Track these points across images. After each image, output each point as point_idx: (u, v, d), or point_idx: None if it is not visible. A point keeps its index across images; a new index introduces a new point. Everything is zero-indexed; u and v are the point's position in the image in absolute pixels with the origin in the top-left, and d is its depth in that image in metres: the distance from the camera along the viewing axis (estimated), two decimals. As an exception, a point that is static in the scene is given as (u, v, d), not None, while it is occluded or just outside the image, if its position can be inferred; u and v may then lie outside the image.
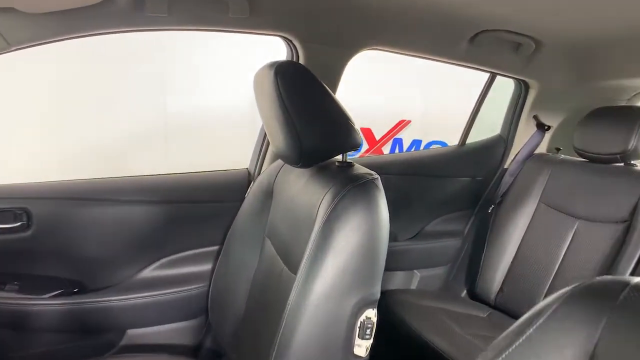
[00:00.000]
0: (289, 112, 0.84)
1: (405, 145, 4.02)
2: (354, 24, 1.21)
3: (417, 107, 3.73)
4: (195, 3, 1.02)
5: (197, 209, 1.32)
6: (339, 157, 0.93)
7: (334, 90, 1.27)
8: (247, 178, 1.36)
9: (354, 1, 1.11)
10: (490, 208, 1.68)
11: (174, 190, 1.31)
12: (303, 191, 0.95)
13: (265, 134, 1.31)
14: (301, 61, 1.22)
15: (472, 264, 1.70)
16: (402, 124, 4.10)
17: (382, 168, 1.07)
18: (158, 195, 1.27)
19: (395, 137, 4.21)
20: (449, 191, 1.74)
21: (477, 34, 1.32)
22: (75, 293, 1.19)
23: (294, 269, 0.87)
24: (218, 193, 1.34)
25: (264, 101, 0.91)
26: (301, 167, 0.92)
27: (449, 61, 1.41)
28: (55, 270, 1.20)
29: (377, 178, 0.87)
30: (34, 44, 0.97)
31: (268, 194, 1.11)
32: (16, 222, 1.13)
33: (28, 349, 1.17)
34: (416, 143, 3.92)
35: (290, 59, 1.23)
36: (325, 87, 0.89)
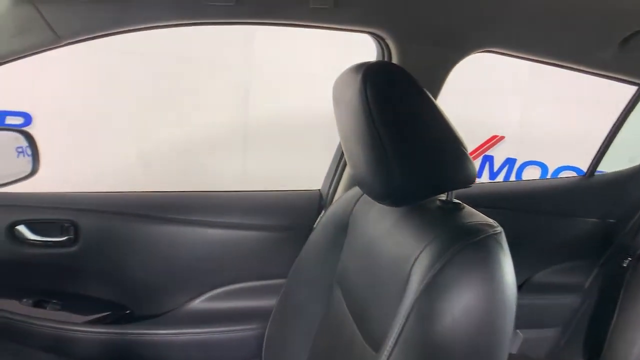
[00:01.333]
0: (378, 130, 0.61)
1: (497, 165, 3.55)
2: (465, 20, 0.95)
3: (513, 121, 3.31)
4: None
5: (259, 235, 1.14)
6: (443, 195, 0.68)
7: (435, 98, 1.02)
8: (319, 202, 1.15)
9: None
10: (627, 260, 1.31)
11: (234, 209, 1.14)
12: (389, 235, 0.71)
13: (342, 151, 1.09)
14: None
15: (595, 330, 1.33)
16: (494, 140, 3.65)
17: (477, 199, 0.80)
18: (216, 215, 1.11)
19: (485, 153, 3.88)
20: (568, 234, 1.39)
21: (631, 36, 0.99)
22: (119, 319, 1.06)
23: (373, 344, 0.65)
24: (284, 217, 1.15)
25: (345, 113, 0.69)
26: (390, 204, 0.68)
27: (588, 70, 1.09)
28: (100, 291, 1.08)
29: (499, 232, 0.61)
30: (87, 37, 0.85)
31: (342, 227, 0.89)
32: (63, 236, 1.02)
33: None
34: (510, 162, 3.45)
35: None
36: (431, 100, 0.64)
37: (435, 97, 1.03)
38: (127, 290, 1.09)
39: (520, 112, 3.30)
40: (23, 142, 1.19)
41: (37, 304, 1.03)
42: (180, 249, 1.10)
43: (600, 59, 1.06)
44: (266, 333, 1.03)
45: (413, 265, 0.60)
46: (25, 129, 1.33)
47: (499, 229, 0.61)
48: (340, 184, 1.14)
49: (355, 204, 0.88)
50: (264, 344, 1.02)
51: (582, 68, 1.09)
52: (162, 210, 1.08)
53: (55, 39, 0.84)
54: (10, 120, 2.46)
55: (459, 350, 0.54)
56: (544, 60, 1.07)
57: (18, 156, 1.19)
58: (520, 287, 1.38)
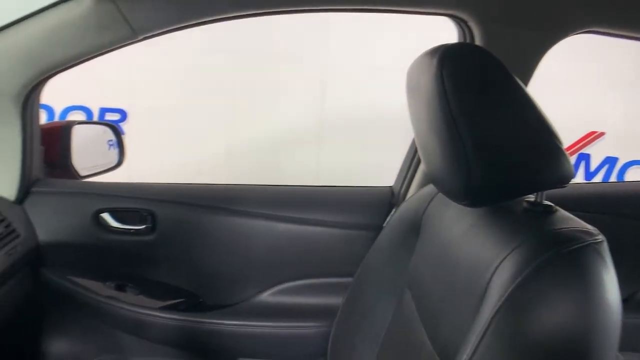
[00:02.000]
0: (456, 120, 0.54)
1: (594, 164, 3.21)
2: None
3: (615, 115, 2.96)
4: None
5: (328, 231, 1.11)
6: (531, 196, 0.59)
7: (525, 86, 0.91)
8: (390, 199, 1.09)
9: None
10: None
11: (304, 204, 1.12)
12: (467, 239, 0.64)
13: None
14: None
15: None
16: (591, 136, 3.32)
17: (572, 202, 0.68)
18: (286, 210, 1.10)
19: (581, 151, 3.54)
20: None
21: None
22: (191, 307, 1.10)
23: (443, 355, 0.58)
24: (353, 214, 1.11)
25: (418, 103, 0.62)
26: (467, 205, 0.61)
27: None
28: (174, 279, 1.12)
29: (601, 241, 0.51)
30: (162, 31, 0.87)
31: (414, 228, 0.82)
32: (141, 225, 1.07)
33: (152, 355, 1.12)
34: (610, 162, 3.13)
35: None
36: (521, 87, 0.56)
37: (525, 85, 0.92)
38: (199, 279, 1.12)
39: (623, 105, 2.94)
40: (112, 136, 1.28)
41: (119, 288, 1.10)
42: (251, 242, 1.11)
43: None
44: (332, 332, 1.00)
45: (493, 275, 0.52)
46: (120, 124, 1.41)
47: (600, 237, 0.52)
48: (413, 181, 1.07)
49: (429, 203, 0.81)
50: (330, 343, 1.00)
51: None
52: (235, 203, 1.09)
53: (132, 34, 0.87)
54: (108, 117, 2.70)
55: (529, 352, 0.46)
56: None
57: (110, 148, 1.28)
58: (624, 304, 1.21)
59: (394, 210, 1.01)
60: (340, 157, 2.93)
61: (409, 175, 1.07)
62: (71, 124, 1.16)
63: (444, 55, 0.54)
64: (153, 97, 2.61)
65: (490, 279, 0.52)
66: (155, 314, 1.05)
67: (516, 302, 0.48)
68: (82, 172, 1.17)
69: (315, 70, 3.09)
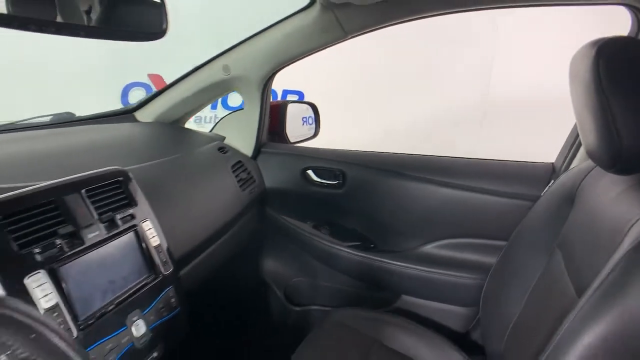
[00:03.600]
0: (608, 99, 0.66)
1: None
2: None
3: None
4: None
5: (488, 198, 1.26)
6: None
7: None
8: (550, 174, 1.19)
9: None
10: None
11: (470, 174, 1.29)
12: (614, 203, 0.75)
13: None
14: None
15: None
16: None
17: None
18: (453, 178, 1.29)
19: None
20: None
21: None
22: (369, 249, 1.38)
23: (579, 292, 0.72)
24: (514, 185, 1.23)
25: (578, 88, 0.75)
26: (616, 172, 0.72)
27: None
28: (356, 225, 1.42)
29: None
30: (365, 31, 1.14)
31: (569, 198, 0.94)
32: (335, 180, 1.39)
33: (327, 281, 1.45)
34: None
35: (635, 33, 0.96)
36: None
37: None
38: (375, 227, 1.40)
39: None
40: (310, 113, 1.63)
41: (315, 227, 1.45)
42: (418, 202, 1.33)
43: None
44: (485, 285, 1.16)
45: (631, 228, 0.64)
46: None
47: None
48: (574, 159, 1.15)
49: (585, 177, 0.91)
50: (482, 294, 1.16)
51: None
52: (408, 169, 1.33)
53: (344, 35, 1.16)
54: (289, 97, 3.20)
55: None
56: None
57: (303, 124, 1.64)
58: None
59: (552, 182, 1.11)
60: (500, 140, 2.91)
61: (570, 153, 1.15)
62: (286, 103, 1.53)
63: (601, 48, 0.67)
64: (324, 80, 2.98)
65: (628, 231, 0.65)
66: (342, 249, 1.36)
67: None
68: (292, 140, 1.55)
69: (482, 50, 3.09)
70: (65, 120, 1.35)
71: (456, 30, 2.83)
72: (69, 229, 0.69)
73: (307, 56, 1.25)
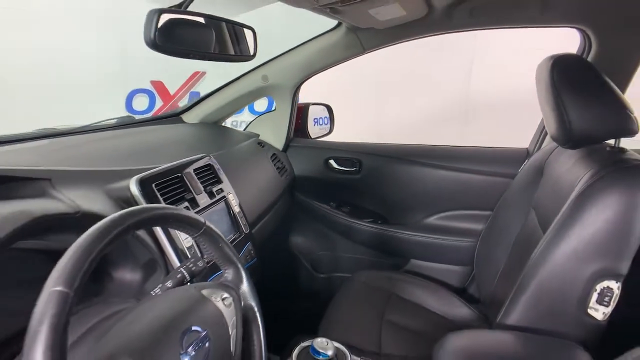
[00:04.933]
0: (561, 98, 0.98)
1: None
2: None
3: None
4: (491, 7, 1.25)
5: (477, 177, 1.58)
6: (611, 142, 1.00)
7: (630, 78, 1.25)
8: (525, 156, 1.52)
9: None
10: None
11: (463, 158, 1.61)
12: (569, 170, 1.07)
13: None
14: (594, 50, 1.26)
15: None
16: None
17: None
18: (448, 162, 1.61)
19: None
20: None
21: None
22: (382, 222, 1.69)
23: (545, 230, 1.03)
24: (498, 166, 1.56)
25: (541, 89, 1.08)
26: (569, 147, 1.05)
27: None
28: (370, 205, 1.73)
29: None
30: (379, 47, 1.45)
31: (539, 171, 1.26)
32: (353, 167, 1.70)
33: (347, 252, 1.75)
34: None
35: (582, 49, 1.30)
36: (602, 77, 0.98)
37: (631, 77, 1.25)
38: (387, 205, 1.71)
39: None
40: (325, 113, 1.93)
41: (337, 207, 1.75)
42: (422, 182, 1.64)
43: None
44: (477, 246, 1.48)
45: (578, 183, 0.96)
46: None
47: None
48: (543, 143, 1.48)
49: (550, 155, 1.23)
50: (475, 254, 1.48)
51: None
52: (412, 156, 1.64)
53: (362, 51, 1.47)
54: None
55: (599, 228, 0.89)
56: None
57: (314, 125, 1.93)
58: None
59: (526, 161, 1.43)
60: (481, 134, 3.26)
61: (540, 139, 1.48)
62: (308, 105, 1.83)
63: (555, 63, 0.99)
64: (321, 86, 3.28)
65: (575, 186, 0.96)
66: (360, 223, 1.67)
67: (586, 194, 0.91)
68: (313, 135, 1.85)
69: (463, 56, 3.44)
70: (128, 123, 1.62)
71: (440, 38, 3.17)
72: (190, 195, 0.98)
73: (330, 68, 1.56)
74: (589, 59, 1.29)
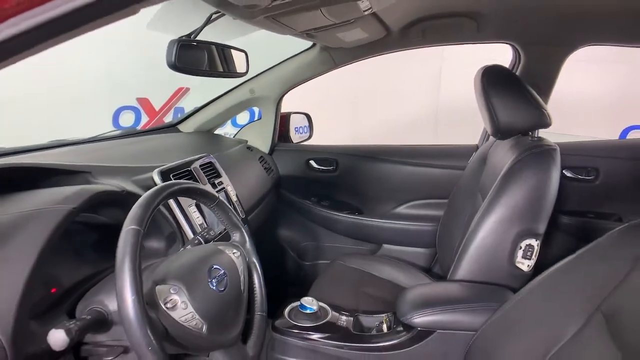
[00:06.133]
0: (490, 100, 1.26)
1: None
2: (570, 23, 1.44)
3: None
4: (438, 28, 1.54)
5: (437, 171, 1.85)
6: (537, 134, 1.28)
7: (553, 84, 1.55)
8: (474, 150, 1.79)
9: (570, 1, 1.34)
10: None
11: (425, 155, 1.88)
12: (503, 157, 1.35)
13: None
14: (522, 62, 1.56)
15: None
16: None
17: None
18: (412, 159, 1.88)
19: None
20: None
21: None
22: (357, 214, 1.94)
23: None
24: (453, 160, 1.83)
25: (477, 93, 1.36)
26: (499, 139, 1.32)
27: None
28: (348, 198, 1.98)
29: (554, 149, 1.19)
30: (350, 62, 1.72)
31: (483, 160, 1.53)
32: (330, 167, 1.95)
33: (329, 242, 1.99)
34: None
35: (514, 61, 1.59)
36: (522, 82, 1.25)
37: (553, 83, 1.55)
38: (361, 199, 1.96)
39: None
40: (305, 122, 2.18)
41: (316, 203, 1.99)
42: (391, 178, 1.90)
43: None
44: (439, 228, 1.74)
45: (506, 164, 1.23)
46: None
47: (556, 147, 1.19)
48: (490, 139, 1.76)
49: (491, 146, 1.51)
50: (437, 236, 1.74)
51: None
52: (382, 154, 1.90)
53: (334, 65, 1.73)
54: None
55: (521, 197, 1.15)
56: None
57: (296, 133, 2.18)
58: None
59: (474, 154, 1.70)
60: (450, 138, 3.56)
61: (486, 135, 1.77)
62: (289, 114, 2.08)
63: (485, 72, 1.27)
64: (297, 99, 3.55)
65: (504, 166, 1.23)
66: (338, 215, 1.92)
67: (509, 173, 1.18)
68: (294, 140, 2.10)
69: (431, 66, 3.76)
70: (132, 133, 1.84)
71: (410, 51, 3.49)
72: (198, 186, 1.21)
73: (308, 81, 1.82)
74: (520, 68, 1.59)
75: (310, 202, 1.98)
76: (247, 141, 1.97)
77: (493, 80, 1.27)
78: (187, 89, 4.49)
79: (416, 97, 3.93)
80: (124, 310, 0.62)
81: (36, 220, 0.72)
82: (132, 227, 0.66)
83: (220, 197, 0.93)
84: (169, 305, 0.70)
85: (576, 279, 0.83)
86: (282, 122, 2.05)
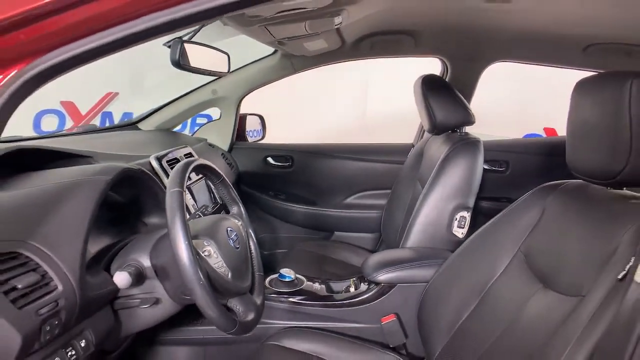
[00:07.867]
0: (429, 101, 1.55)
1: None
2: (486, 42, 1.80)
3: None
4: (384, 42, 1.83)
5: (381, 165, 2.13)
6: (464, 130, 1.59)
7: (473, 91, 1.90)
8: (410, 147, 2.11)
9: (486, 25, 1.63)
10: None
11: (370, 152, 2.15)
12: (437, 150, 1.64)
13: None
14: (449, 73, 1.90)
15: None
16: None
17: None
18: (358, 155, 2.14)
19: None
20: None
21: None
22: (312, 205, 2.15)
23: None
24: (394, 156, 2.12)
25: (417, 96, 1.65)
26: (435, 134, 1.62)
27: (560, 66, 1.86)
28: (303, 192, 2.19)
29: (478, 141, 1.51)
30: (307, 69, 1.94)
31: (420, 154, 1.82)
32: (286, 163, 2.15)
33: (285, 233, 2.17)
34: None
35: (442, 72, 1.93)
36: (452, 88, 1.57)
37: (474, 88, 1.91)
38: (314, 191, 2.17)
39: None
40: (258, 124, 2.35)
41: (273, 196, 2.17)
42: (340, 172, 2.14)
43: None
44: (383, 214, 2.01)
45: (439, 157, 1.52)
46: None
47: (479, 139, 1.51)
48: (423, 137, 2.08)
49: (427, 142, 1.81)
50: (382, 221, 2.01)
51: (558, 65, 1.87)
52: (333, 151, 2.14)
53: (293, 71, 1.94)
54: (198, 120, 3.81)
55: (454, 179, 1.46)
56: (544, 63, 1.87)
57: (250, 137, 2.35)
58: None
59: (411, 150, 2.01)
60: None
61: (420, 135, 2.09)
62: (246, 115, 2.24)
63: (423, 81, 1.56)
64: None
65: (438, 159, 1.52)
66: (294, 206, 2.11)
67: (444, 161, 1.48)
68: (250, 140, 2.26)
69: (360, 74, 4.10)
70: (92, 130, 1.88)
71: (341, 65, 3.80)
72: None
73: (267, 84, 2.01)
74: (447, 77, 1.92)
75: (268, 195, 2.15)
76: (206, 139, 2.09)
77: (430, 85, 1.57)
78: (116, 94, 4.40)
79: (346, 105, 4.25)
80: (179, 253, 0.77)
81: (85, 186, 0.84)
82: (176, 189, 0.81)
83: (225, 177, 1.09)
84: (205, 253, 0.86)
85: (502, 229, 1.05)
86: (240, 123, 2.21)
